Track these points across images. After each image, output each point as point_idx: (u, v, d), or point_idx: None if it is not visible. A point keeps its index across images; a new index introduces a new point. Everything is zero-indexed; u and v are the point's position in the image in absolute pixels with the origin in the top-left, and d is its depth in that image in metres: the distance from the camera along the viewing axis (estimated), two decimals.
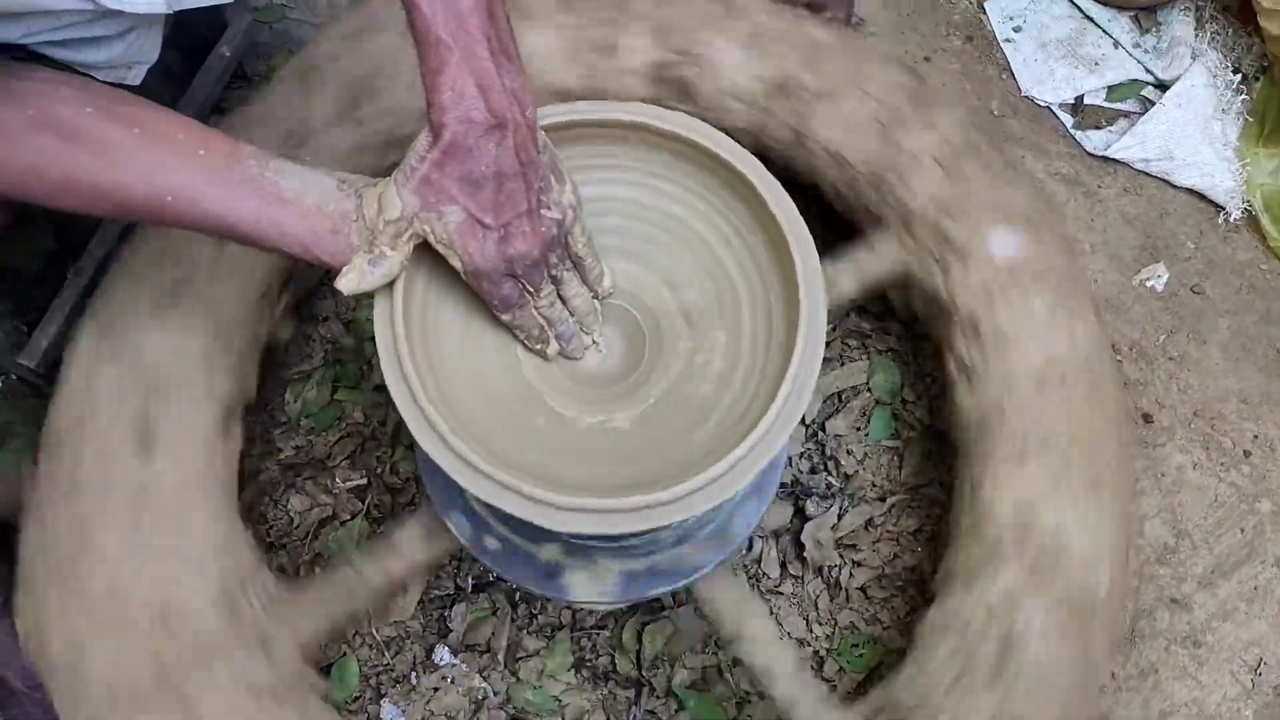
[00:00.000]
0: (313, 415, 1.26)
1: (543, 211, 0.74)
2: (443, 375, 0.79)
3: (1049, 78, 1.51)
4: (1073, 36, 1.53)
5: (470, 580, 1.22)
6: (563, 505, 0.71)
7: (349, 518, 1.22)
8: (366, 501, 1.24)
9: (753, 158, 0.81)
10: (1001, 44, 1.54)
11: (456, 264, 0.74)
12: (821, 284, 0.77)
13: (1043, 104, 1.51)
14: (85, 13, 0.80)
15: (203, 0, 0.89)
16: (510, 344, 0.84)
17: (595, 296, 0.85)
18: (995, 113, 1.51)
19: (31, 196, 0.75)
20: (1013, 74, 1.53)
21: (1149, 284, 1.41)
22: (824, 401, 1.29)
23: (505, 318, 0.79)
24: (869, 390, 1.30)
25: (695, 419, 0.80)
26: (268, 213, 0.74)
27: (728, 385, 0.81)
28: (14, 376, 1.36)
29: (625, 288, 0.86)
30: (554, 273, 0.80)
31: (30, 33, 0.79)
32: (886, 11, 1.57)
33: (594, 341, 0.86)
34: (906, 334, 1.32)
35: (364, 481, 1.24)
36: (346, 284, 0.74)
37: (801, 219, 0.80)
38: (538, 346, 0.83)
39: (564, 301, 0.82)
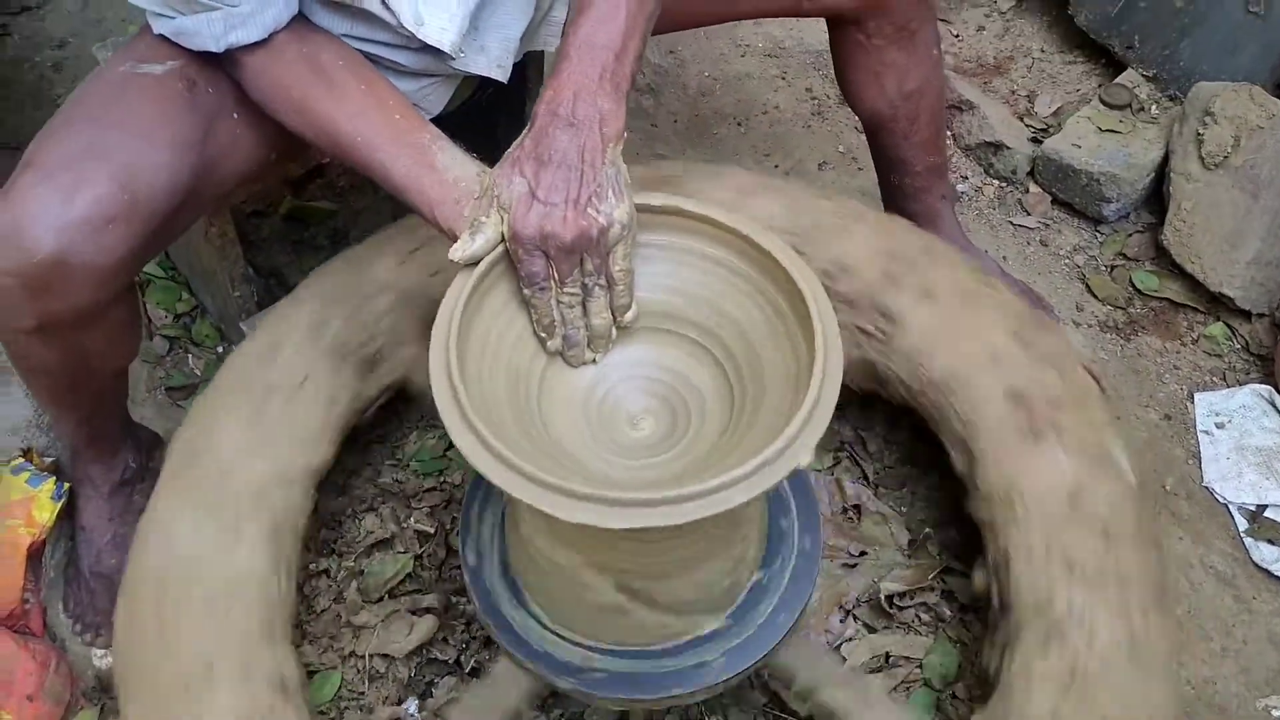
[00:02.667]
0: (423, 461, 1.39)
1: (589, 209, 0.84)
2: (490, 396, 0.87)
3: (1236, 478, 1.46)
4: (1275, 450, 1.48)
5: (472, 662, 1.25)
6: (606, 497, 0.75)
7: (402, 551, 1.31)
8: (424, 549, 1.32)
9: (794, 253, 0.89)
10: (1199, 433, 1.52)
11: (505, 229, 0.86)
12: (838, 378, 0.82)
13: (1221, 500, 1.45)
14: (395, 34, 1.06)
15: (483, 70, 1.13)
16: (559, 381, 0.93)
17: (615, 323, 0.92)
18: (1168, 489, 1.47)
19: (275, 109, 0.99)
20: (1199, 462, 1.49)
21: (1275, 712, 1.27)
22: (872, 655, 1.25)
23: (526, 293, 0.88)
24: (920, 668, 1.24)
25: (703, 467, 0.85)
26: (416, 172, 0.92)
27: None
28: (233, 345, 1.61)
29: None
30: (586, 280, 0.88)
31: (351, 33, 1.05)
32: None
33: (593, 360, 0.93)
34: (985, 634, 1.27)
35: (432, 531, 1.33)
36: (454, 252, 0.88)
37: (834, 318, 0.86)
38: (543, 335, 0.90)
39: (586, 314, 0.90)
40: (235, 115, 1.07)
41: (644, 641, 0.99)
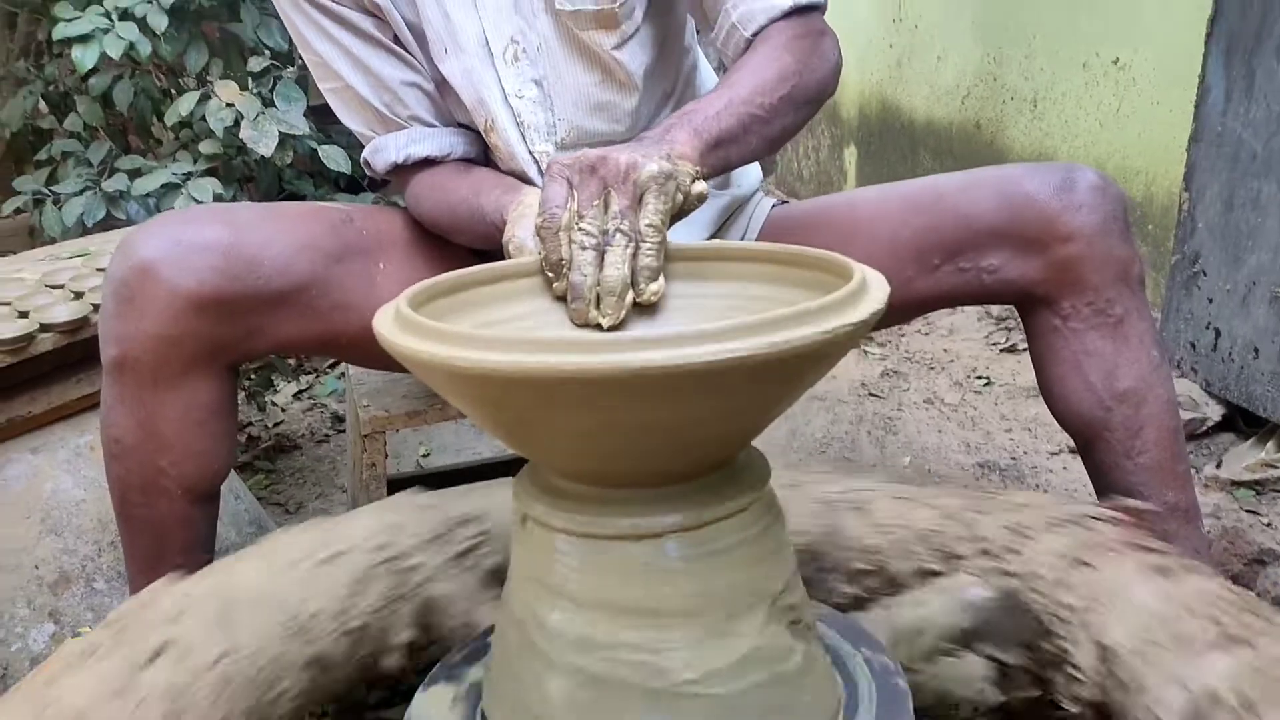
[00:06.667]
0: None
1: (622, 152, 0.84)
2: None
3: None
4: None
5: None
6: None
7: None
8: None
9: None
10: None
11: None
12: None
13: None
14: None
15: None
16: None
17: (636, 289, 0.80)
18: None
19: (419, 201, 1.20)
20: None
21: None
22: None
23: (538, 221, 0.82)
24: None
25: None
26: (503, 200, 1.04)
27: None
28: None
29: None
30: (609, 224, 0.81)
31: None
32: None
33: (600, 323, 0.79)
34: None
35: None
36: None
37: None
38: (550, 274, 0.81)
39: (601, 265, 0.80)
40: (381, 265, 1.14)
41: None
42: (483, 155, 1.26)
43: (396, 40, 1.20)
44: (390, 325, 0.67)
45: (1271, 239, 1.87)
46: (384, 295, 1.14)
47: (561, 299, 0.83)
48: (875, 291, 0.67)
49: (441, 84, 1.22)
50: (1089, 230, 1.10)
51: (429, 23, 1.17)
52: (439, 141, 1.21)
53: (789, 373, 0.63)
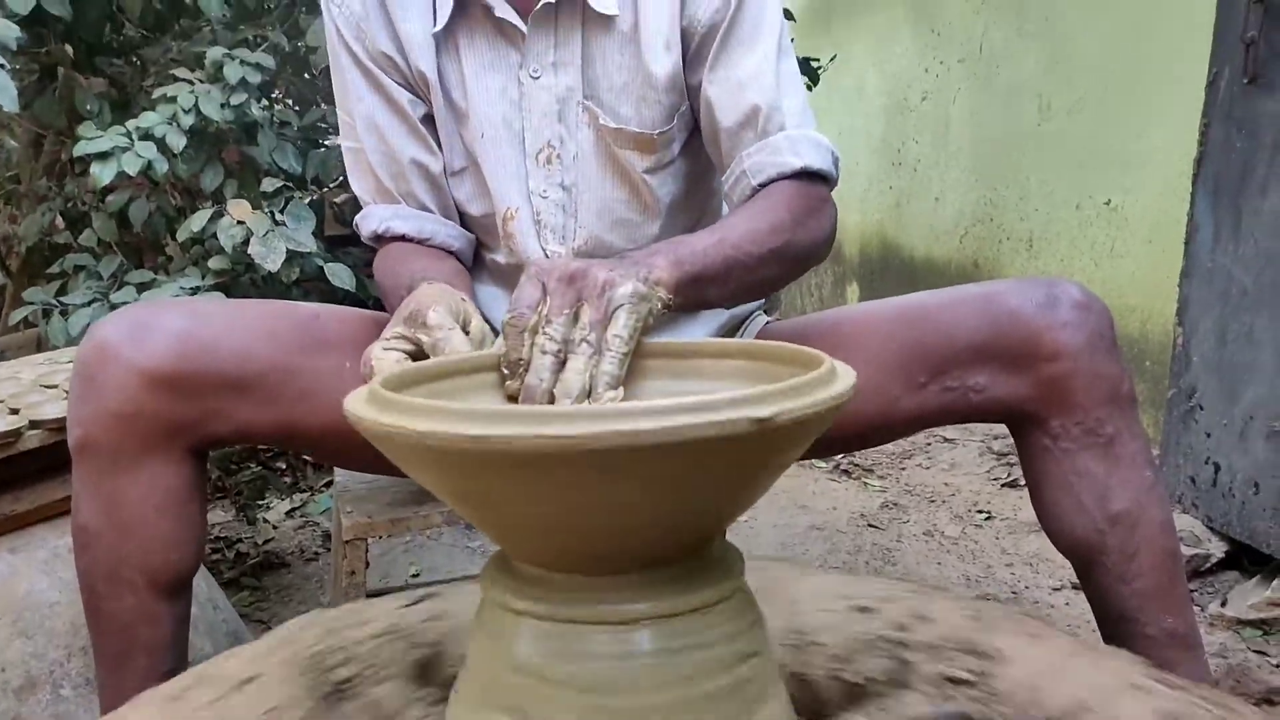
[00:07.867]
0: None
1: (601, 269, 0.84)
2: None
3: None
4: None
5: None
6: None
7: None
8: None
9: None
10: None
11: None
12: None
13: None
14: None
15: None
16: None
17: (590, 395, 0.79)
18: None
19: (379, 274, 1.23)
20: None
21: None
22: None
23: (506, 317, 0.82)
24: None
25: None
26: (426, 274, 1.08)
27: None
28: None
29: None
30: (576, 334, 0.81)
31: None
32: None
33: None
34: None
35: None
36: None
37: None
38: (506, 370, 0.81)
39: (563, 370, 0.80)
40: (348, 364, 1.14)
41: None
42: (465, 252, 1.30)
43: (425, 119, 1.24)
44: (359, 403, 0.67)
45: (1267, 373, 1.87)
46: (349, 389, 1.14)
47: (513, 399, 0.81)
48: (840, 383, 0.66)
49: (460, 170, 1.26)
50: (1074, 348, 1.09)
51: (474, 107, 1.22)
52: (420, 225, 1.25)
53: (732, 457, 0.62)
